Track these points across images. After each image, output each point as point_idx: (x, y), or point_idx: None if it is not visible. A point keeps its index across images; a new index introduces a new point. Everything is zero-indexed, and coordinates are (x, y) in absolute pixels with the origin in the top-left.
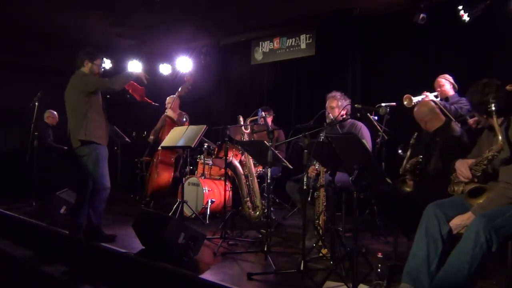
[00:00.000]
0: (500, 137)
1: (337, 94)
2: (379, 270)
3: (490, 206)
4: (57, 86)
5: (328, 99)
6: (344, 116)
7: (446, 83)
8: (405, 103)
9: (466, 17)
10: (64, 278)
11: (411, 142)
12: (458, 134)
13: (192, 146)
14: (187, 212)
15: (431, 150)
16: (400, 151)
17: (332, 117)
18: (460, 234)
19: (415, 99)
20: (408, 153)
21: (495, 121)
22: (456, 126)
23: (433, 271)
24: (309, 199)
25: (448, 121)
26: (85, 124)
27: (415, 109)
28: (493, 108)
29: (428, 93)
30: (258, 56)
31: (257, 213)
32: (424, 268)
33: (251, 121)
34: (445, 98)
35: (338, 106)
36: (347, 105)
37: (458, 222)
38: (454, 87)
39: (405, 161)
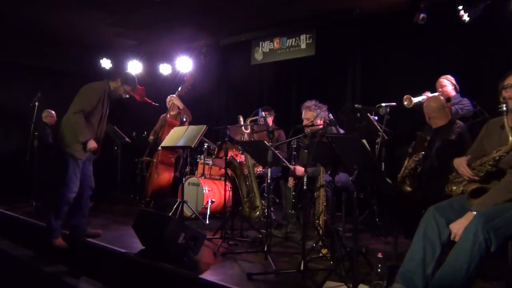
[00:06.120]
0: (511, 138)
1: (311, 104)
2: (379, 270)
3: (491, 201)
4: (57, 86)
5: (303, 110)
6: (322, 125)
7: (448, 83)
8: (405, 103)
9: (466, 17)
10: (64, 278)
11: (408, 151)
12: (455, 138)
13: (192, 146)
14: (187, 212)
15: (431, 148)
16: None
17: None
18: None
19: (415, 100)
20: (406, 162)
21: (506, 121)
22: (458, 129)
23: (428, 274)
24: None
25: (452, 121)
26: (68, 133)
27: (426, 102)
28: (504, 108)
29: (429, 94)
30: (258, 56)
31: (257, 213)
32: (419, 271)
33: (251, 121)
34: (447, 99)
35: (313, 116)
36: (321, 112)
37: (458, 222)
38: (455, 88)
39: (403, 169)
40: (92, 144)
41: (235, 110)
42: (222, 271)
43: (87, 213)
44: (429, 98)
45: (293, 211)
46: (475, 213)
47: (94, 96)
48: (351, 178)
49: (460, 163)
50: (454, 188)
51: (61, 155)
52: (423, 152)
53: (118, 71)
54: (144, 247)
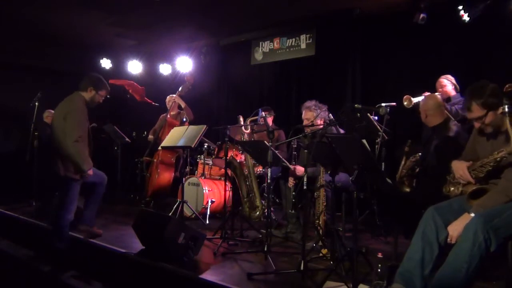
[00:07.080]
0: None
1: (312, 105)
2: (379, 270)
3: (489, 203)
4: (57, 86)
5: (303, 111)
6: (322, 126)
7: (448, 83)
8: (405, 103)
9: (466, 17)
10: (64, 278)
11: (405, 149)
12: (453, 135)
13: (192, 146)
14: (187, 212)
15: (429, 147)
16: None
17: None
18: None
19: (415, 100)
20: (403, 161)
21: (508, 123)
22: (454, 126)
23: (426, 275)
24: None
25: (447, 120)
26: (70, 162)
27: (423, 100)
28: (507, 110)
29: (429, 94)
30: (258, 56)
31: (257, 213)
32: (418, 271)
33: (251, 121)
34: (447, 99)
35: (313, 116)
36: (321, 112)
37: (455, 224)
38: (455, 88)
39: (400, 168)
40: (91, 172)
41: (235, 110)
42: (222, 271)
43: (96, 209)
44: (426, 96)
45: (293, 211)
46: (472, 215)
47: (84, 117)
48: (351, 178)
49: (460, 167)
50: (452, 188)
51: (62, 179)
52: (419, 154)
53: (84, 79)
54: (144, 247)
